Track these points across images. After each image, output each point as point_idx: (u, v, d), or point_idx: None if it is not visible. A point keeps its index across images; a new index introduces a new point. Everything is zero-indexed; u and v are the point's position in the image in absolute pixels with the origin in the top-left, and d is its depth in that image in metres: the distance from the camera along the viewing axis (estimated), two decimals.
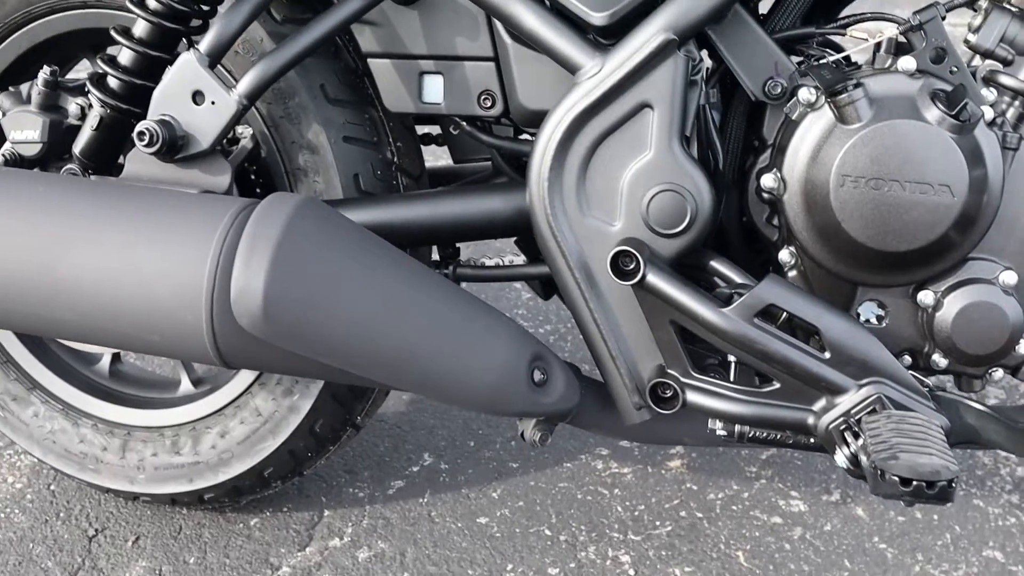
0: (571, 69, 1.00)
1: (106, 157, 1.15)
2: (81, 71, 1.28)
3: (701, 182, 0.98)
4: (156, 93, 1.01)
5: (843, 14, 1.11)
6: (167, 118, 1.00)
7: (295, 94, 1.15)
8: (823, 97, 0.96)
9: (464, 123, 1.13)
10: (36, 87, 1.17)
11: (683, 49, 0.97)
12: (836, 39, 1.10)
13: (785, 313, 0.97)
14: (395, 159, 1.21)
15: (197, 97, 1.00)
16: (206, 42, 1.00)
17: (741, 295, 0.96)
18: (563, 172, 1.00)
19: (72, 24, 1.27)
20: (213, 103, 0.99)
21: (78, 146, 1.13)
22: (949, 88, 0.94)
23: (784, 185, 0.99)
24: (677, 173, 0.98)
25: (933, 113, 0.93)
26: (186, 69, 0.99)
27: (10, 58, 1.30)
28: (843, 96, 0.94)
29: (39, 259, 0.93)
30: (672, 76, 0.96)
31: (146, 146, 0.97)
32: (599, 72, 0.97)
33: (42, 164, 1.21)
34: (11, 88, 1.23)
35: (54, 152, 1.19)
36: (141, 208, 0.94)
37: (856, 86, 0.94)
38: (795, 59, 1.05)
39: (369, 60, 1.12)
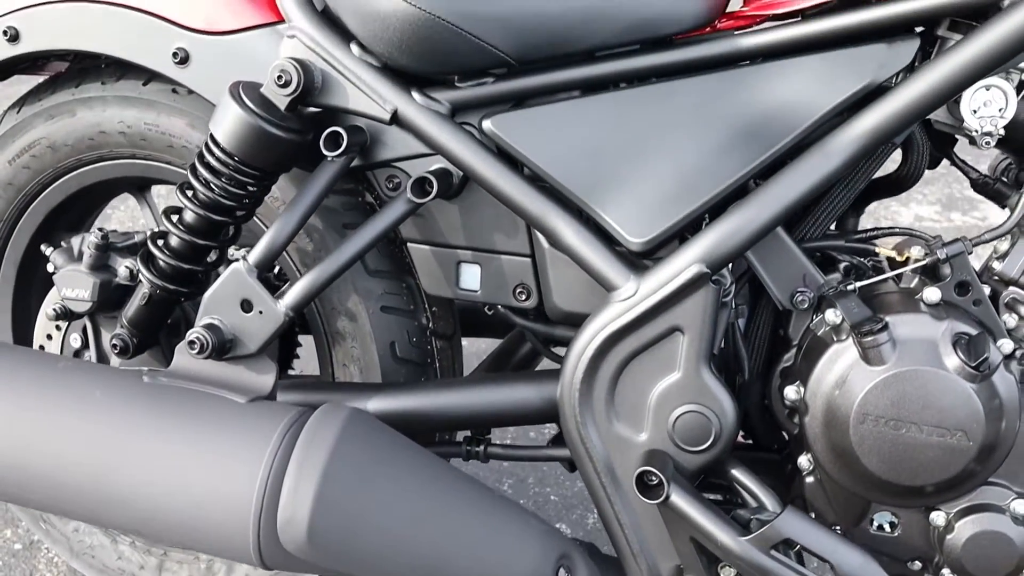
0: (606, 287, 1.03)
1: (154, 327, 1.20)
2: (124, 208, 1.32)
3: (727, 404, 1.02)
4: (206, 297, 1.05)
5: (872, 226, 1.15)
6: (216, 322, 1.04)
7: None
8: (849, 329, 0.99)
9: (500, 306, 1.17)
10: (87, 246, 1.22)
11: (715, 275, 1.01)
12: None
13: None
14: (430, 324, 1.25)
15: (245, 305, 1.04)
16: (256, 252, 1.04)
17: (761, 522, 1.01)
18: (594, 384, 1.04)
19: (119, 172, 1.31)
20: (261, 312, 1.03)
21: (127, 314, 1.18)
22: (972, 332, 0.98)
23: (806, 406, 1.03)
24: (704, 395, 1.02)
25: (953, 361, 0.96)
26: (235, 278, 1.04)
27: (59, 198, 1.35)
28: (869, 338, 0.97)
29: (93, 461, 0.99)
30: (703, 305, 1.00)
31: (197, 353, 1.02)
32: (633, 296, 1.01)
33: (92, 315, 1.26)
34: (63, 243, 1.28)
35: (103, 308, 1.24)
36: (193, 417, 0.99)
37: (881, 328, 0.97)
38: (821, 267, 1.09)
39: (408, 244, 1.16)
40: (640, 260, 1.05)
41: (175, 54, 1.12)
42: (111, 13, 1.15)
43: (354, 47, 1.04)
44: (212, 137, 1.03)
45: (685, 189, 1.01)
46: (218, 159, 1.03)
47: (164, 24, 1.13)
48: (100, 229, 1.22)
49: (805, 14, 1.00)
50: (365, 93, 1.03)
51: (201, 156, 1.05)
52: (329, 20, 1.05)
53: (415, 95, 1.03)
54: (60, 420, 1.00)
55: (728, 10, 1.09)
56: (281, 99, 1.02)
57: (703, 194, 1.01)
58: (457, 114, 1.06)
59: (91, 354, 1.30)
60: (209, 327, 1.03)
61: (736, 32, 1.03)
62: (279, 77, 1.01)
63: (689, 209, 1.01)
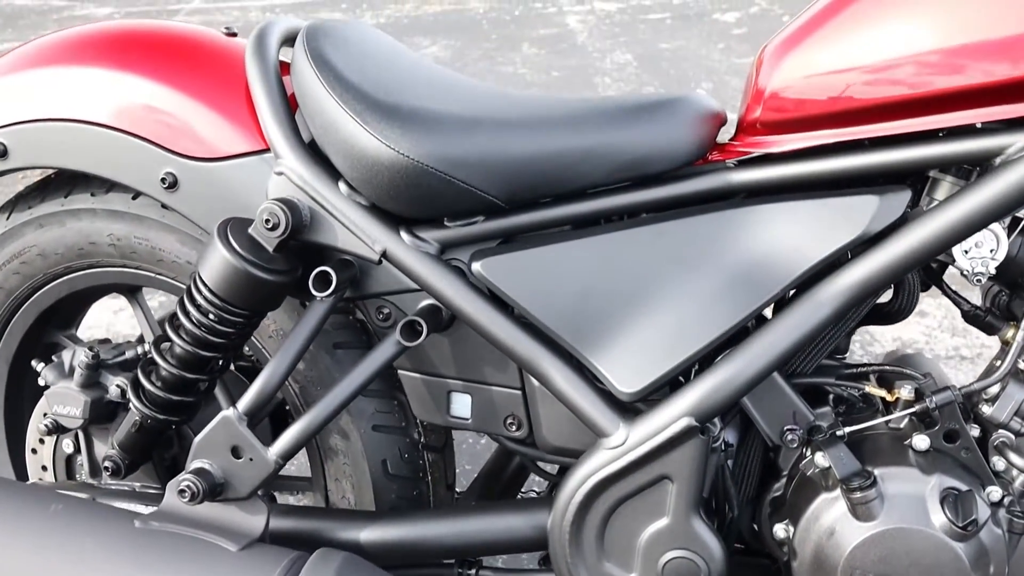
0: (595, 432, 1.03)
1: (146, 450, 1.20)
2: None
3: (716, 550, 1.02)
4: (196, 441, 1.05)
5: (860, 361, 1.14)
6: (206, 466, 1.04)
7: None
8: (838, 482, 1.00)
9: (489, 434, 1.17)
10: (78, 364, 1.22)
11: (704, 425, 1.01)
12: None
13: None
14: (421, 438, 1.26)
15: (235, 451, 1.04)
16: (246, 400, 1.04)
17: None
18: (583, 527, 1.04)
19: (110, 279, 1.30)
20: (251, 460, 1.04)
21: (118, 439, 1.18)
22: (961, 487, 0.98)
23: (794, 550, 1.03)
24: (694, 541, 1.02)
25: (941, 519, 0.97)
26: (225, 426, 1.04)
27: (50, 301, 1.34)
28: (858, 495, 0.97)
29: None
30: (693, 455, 1.00)
31: (188, 501, 1.02)
32: (623, 444, 1.01)
33: (83, 427, 1.26)
34: (55, 358, 1.27)
35: (95, 422, 1.25)
36: (186, 568, 0.99)
37: (870, 484, 0.97)
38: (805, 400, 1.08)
39: (399, 371, 1.16)
40: (631, 404, 1.05)
41: (163, 179, 1.12)
42: (101, 135, 1.14)
43: (342, 185, 1.03)
44: (200, 277, 1.03)
45: (676, 338, 1.01)
46: (206, 299, 1.02)
47: (154, 148, 1.12)
48: (91, 348, 1.22)
49: (797, 154, 1.00)
50: (353, 233, 1.03)
51: (189, 294, 1.05)
52: (317, 155, 1.05)
53: (403, 235, 1.03)
54: (52, 570, 1.00)
55: (719, 141, 1.09)
56: (269, 241, 1.02)
57: (694, 344, 1.00)
58: (447, 251, 1.05)
59: (83, 460, 1.31)
60: (199, 472, 1.03)
61: (727, 166, 1.02)
62: (267, 220, 1.01)
63: (679, 360, 1.00)
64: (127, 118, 1.13)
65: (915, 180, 0.99)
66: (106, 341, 1.32)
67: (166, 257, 1.23)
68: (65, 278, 1.32)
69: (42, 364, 1.27)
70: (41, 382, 1.27)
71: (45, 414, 1.26)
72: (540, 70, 4.90)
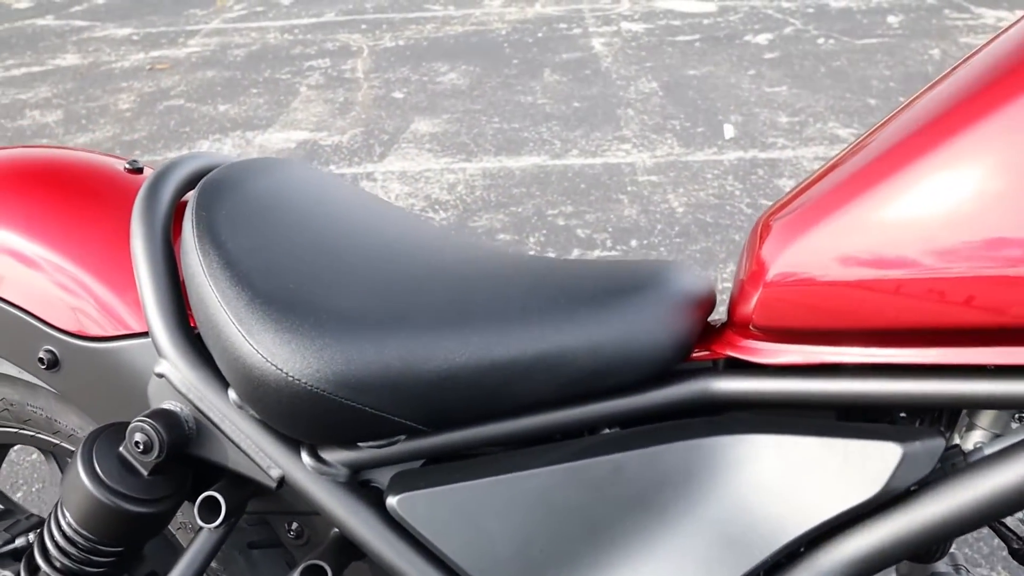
0: None
1: None
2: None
3: None
4: None
5: None
6: None
7: None
8: None
9: None
10: None
11: None
12: None
13: None
14: None
15: None
16: None
17: None
18: None
19: (10, 439, 1.14)
20: None
21: None
22: None
23: None
24: None
25: None
26: None
27: None
28: None
29: None
30: None
31: None
32: None
33: None
34: None
35: None
36: None
37: None
38: None
39: None
40: None
41: (41, 359, 0.94)
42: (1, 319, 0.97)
43: (232, 393, 0.84)
44: (61, 507, 0.85)
45: None
46: (70, 534, 0.84)
47: (31, 321, 0.95)
48: None
49: (798, 368, 0.79)
50: (245, 453, 0.84)
51: (56, 521, 0.87)
52: (206, 354, 0.86)
53: (305, 457, 0.84)
54: None
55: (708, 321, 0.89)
56: (143, 464, 0.84)
57: None
58: (360, 472, 0.86)
59: None
60: None
61: (712, 370, 0.82)
62: (137, 443, 0.82)
63: None
64: (7, 286, 0.96)
65: (946, 417, 0.78)
66: (5, 512, 1.15)
67: (63, 429, 1.06)
68: None
69: None
70: None
71: None
72: (560, 100, 4.69)
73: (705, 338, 0.85)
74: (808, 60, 5.12)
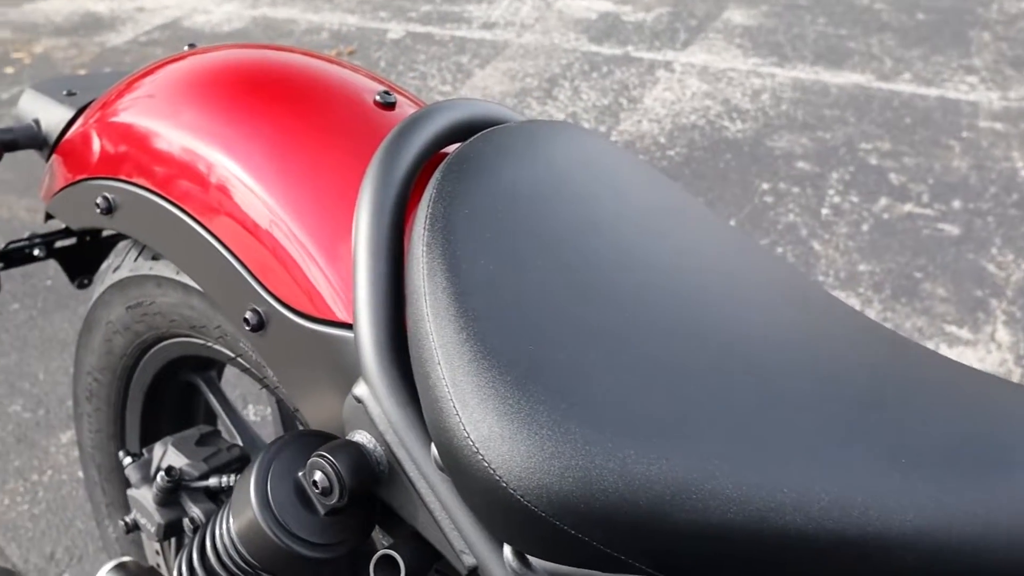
0: None
1: None
2: None
3: None
4: None
5: None
6: None
7: None
8: None
9: None
10: (157, 484, 1.00)
11: None
12: None
13: None
14: None
15: None
16: None
17: None
18: None
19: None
20: None
21: None
22: None
23: None
24: None
25: None
26: None
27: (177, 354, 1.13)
28: None
29: None
30: None
31: None
32: None
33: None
34: (146, 452, 1.06)
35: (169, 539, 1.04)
36: None
37: None
38: None
39: None
40: None
41: (246, 319, 0.82)
42: (199, 239, 0.86)
43: (436, 451, 0.66)
44: (226, 520, 0.73)
45: None
46: (236, 551, 0.73)
47: (244, 274, 0.82)
48: (168, 471, 0.98)
49: None
50: (438, 523, 0.67)
51: (221, 527, 0.75)
52: (414, 390, 0.68)
53: (508, 555, 0.65)
54: None
55: None
56: (320, 503, 0.69)
57: None
58: None
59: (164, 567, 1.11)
60: None
61: None
62: (315, 483, 0.67)
63: None
64: (226, 227, 0.83)
65: None
66: (214, 432, 1.09)
67: (271, 380, 0.95)
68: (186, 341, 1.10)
69: (128, 458, 1.07)
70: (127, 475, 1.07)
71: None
72: (902, 7, 4.04)
73: None
74: None
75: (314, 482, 0.67)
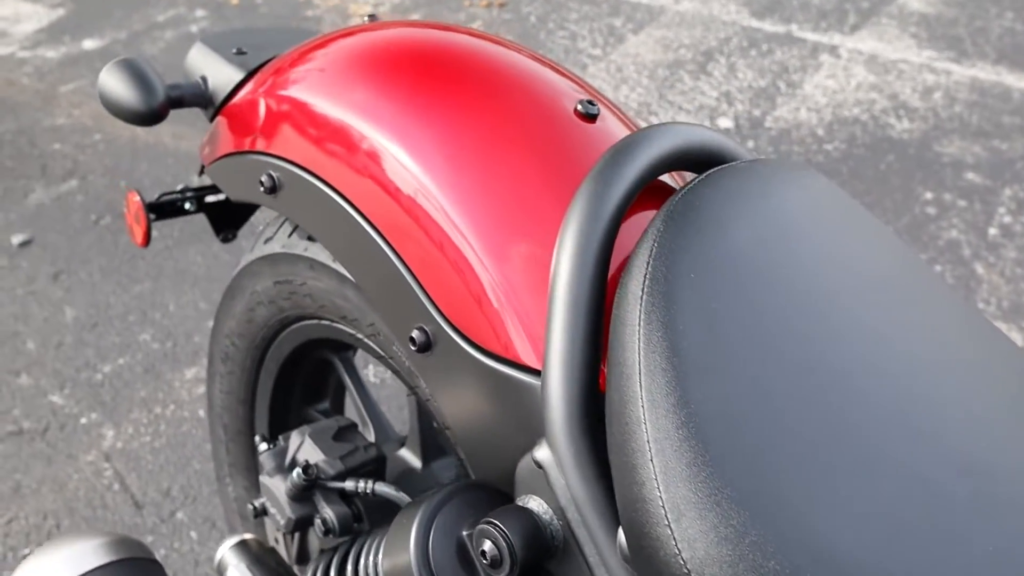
0: None
1: None
2: None
3: None
4: None
5: None
6: None
7: None
8: None
9: None
10: (292, 479, 0.96)
11: None
12: None
13: None
14: None
15: None
16: None
17: None
18: None
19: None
20: None
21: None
22: None
23: None
24: None
25: None
26: None
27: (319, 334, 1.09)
28: None
29: None
30: None
31: None
32: None
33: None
34: (282, 439, 1.02)
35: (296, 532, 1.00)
36: None
37: None
38: None
39: None
40: None
41: (412, 338, 0.75)
42: (367, 239, 0.79)
43: (623, 537, 0.58)
44: (383, 556, 0.67)
45: None
46: None
47: (417, 290, 0.75)
48: (305, 469, 0.94)
49: None
50: None
51: (369, 560, 0.70)
52: (605, 464, 0.60)
53: None
54: None
55: None
56: (485, 573, 0.62)
57: None
58: None
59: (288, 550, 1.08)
60: None
61: None
62: (483, 553, 0.61)
63: None
64: (401, 234, 0.76)
65: None
66: (352, 426, 1.04)
67: (422, 390, 0.89)
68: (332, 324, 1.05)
69: (264, 443, 1.03)
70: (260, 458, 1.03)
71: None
72: None
73: None
74: None
75: (482, 551, 0.61)
